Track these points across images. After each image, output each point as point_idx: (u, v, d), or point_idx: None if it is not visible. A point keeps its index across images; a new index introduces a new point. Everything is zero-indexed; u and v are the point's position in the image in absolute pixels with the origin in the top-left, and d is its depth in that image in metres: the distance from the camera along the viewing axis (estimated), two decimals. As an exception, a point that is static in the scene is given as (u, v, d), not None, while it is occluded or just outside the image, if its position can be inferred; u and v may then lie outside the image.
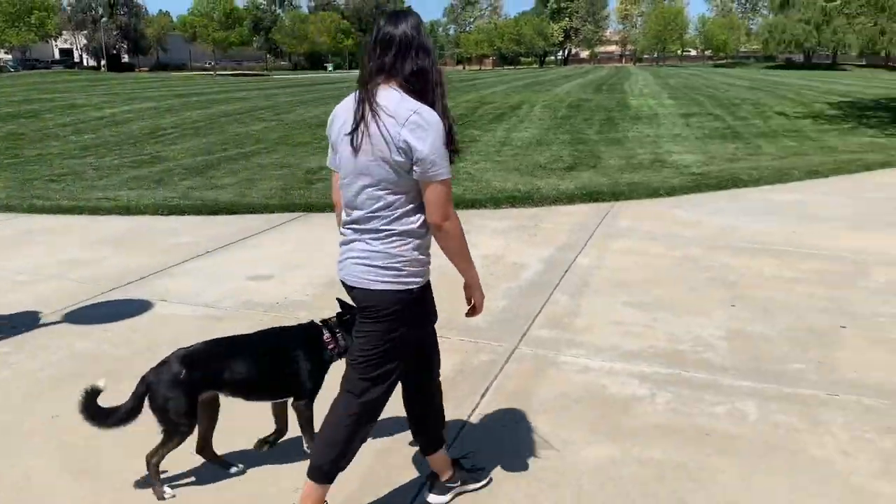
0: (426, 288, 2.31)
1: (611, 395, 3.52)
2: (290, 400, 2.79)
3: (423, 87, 2.15)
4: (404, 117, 2.08)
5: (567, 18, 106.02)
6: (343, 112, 2.25)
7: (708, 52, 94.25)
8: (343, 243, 2.31)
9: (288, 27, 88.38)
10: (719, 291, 5.04)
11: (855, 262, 5.68)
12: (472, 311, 2.40)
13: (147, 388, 2.56)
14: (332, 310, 2.82)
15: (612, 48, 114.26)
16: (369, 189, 2.17)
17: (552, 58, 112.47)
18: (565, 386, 3.60)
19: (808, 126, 15.71)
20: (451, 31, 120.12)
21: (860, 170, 9.97)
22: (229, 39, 72.33)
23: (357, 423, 2.32)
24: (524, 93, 29.36)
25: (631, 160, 10.97)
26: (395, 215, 2.17)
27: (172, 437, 2.60)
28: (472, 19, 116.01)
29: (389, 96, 2.13)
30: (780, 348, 4.07)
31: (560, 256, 5.95)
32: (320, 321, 2.76)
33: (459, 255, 2.25)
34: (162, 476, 2.71)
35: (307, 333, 2.73)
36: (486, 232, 6.79)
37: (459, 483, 2.64)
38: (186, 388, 2.55)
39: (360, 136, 2.13)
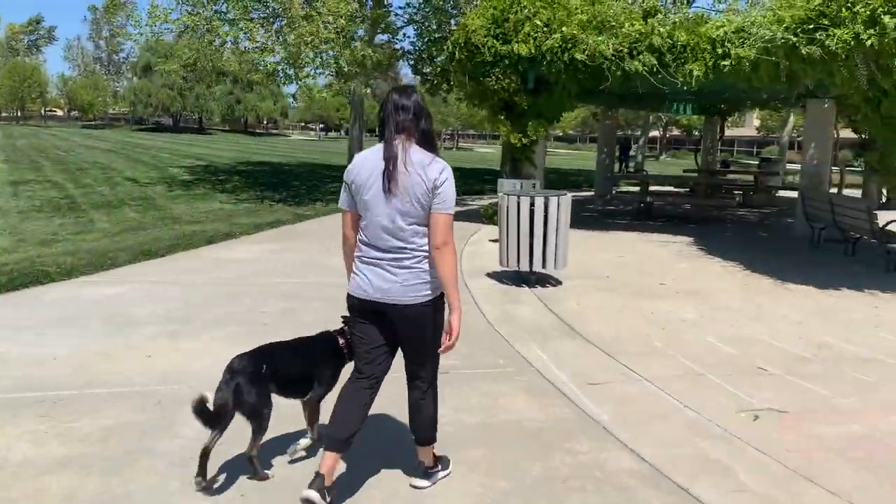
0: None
1: None
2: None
3: (430, 142, 2.87)
4: (431, 164, 2.79)
5: None
6: (369, 163, 2.84)
7: (75, 113, 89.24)
8: (372, 269, 2.87)
9: None
10: None
11: (161, 402, 4.02)
12: (450, 333, 2.85)
13: (236, 387, 2.96)
14: None
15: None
16: (407, 223, 2.80)
17: None
18: None
19: (158, 192, 14.47)
20: None
21: (202, 243, 8.82)
22: None
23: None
24: None
25: None
26: (424, 241, 2.83)
27: (262, 428, 3.06)
28: None
29: (415, 150, 2.81)
30: None
31: None
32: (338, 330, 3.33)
33: (452, 273, 2.82)
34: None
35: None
36: None
37: (440, 468, 3.22)
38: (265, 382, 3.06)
39: (397, 182, 2.75)
